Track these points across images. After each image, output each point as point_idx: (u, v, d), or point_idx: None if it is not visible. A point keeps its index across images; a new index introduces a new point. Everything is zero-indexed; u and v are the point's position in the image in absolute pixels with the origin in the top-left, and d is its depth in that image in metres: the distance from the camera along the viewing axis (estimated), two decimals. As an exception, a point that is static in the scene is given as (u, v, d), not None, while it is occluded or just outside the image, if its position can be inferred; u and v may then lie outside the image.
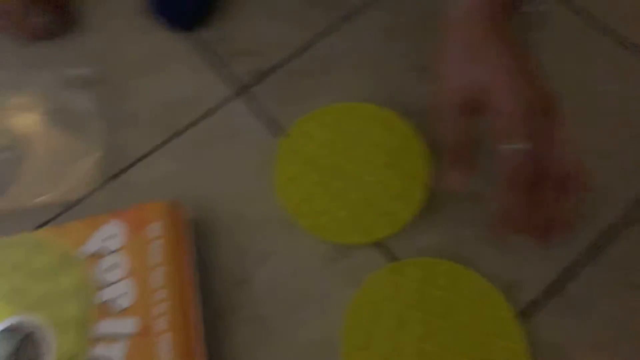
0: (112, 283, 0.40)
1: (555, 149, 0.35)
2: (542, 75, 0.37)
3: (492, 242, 0.43)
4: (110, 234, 0.42)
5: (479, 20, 0.38)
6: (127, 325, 0.39)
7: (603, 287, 0.42)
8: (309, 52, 0.53)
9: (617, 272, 0.42)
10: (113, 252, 0.41)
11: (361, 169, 0.46)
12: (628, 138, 0.47)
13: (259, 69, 0.52)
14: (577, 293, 0.41)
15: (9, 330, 0.40)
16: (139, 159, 0.48)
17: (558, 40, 0.52)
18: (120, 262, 0.41)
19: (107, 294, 0.40)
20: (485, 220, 0.43)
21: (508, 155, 0.35)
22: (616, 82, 0.50)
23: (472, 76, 0.37)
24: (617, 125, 0.48)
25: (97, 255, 0.41)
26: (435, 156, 0.46)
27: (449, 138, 0.38)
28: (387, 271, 0.43)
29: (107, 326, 0.39)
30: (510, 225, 0.37)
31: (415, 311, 0.41)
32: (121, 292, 0.40)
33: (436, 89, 0.38)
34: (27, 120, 0.50)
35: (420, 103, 0.50)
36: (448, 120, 0.37)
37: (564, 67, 0.50)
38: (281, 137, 0.48)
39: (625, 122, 0.48)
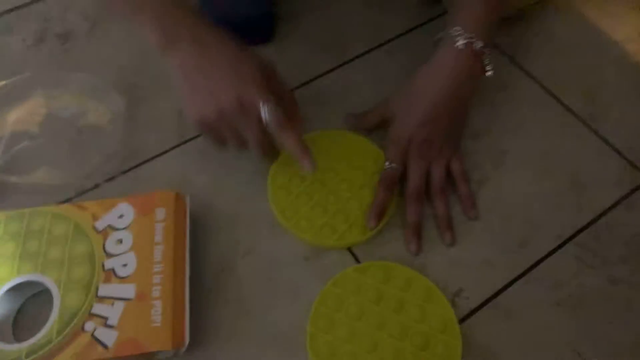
0: (118, 254, 0.47)
1: (422, 173, 0.53)
2: (443, 122, 0.53)
3: (443, 254, 0.51)
4: (121, 214, 0.49)
5: (426, 74, 0.54)
6: (127, 290, 0.46)
7: (530, 302, 0.49)
8: (309, 88, 0.62)
9: (543, 289, 0.50)
10: (122, 229, 0.49)
11: (341, 186, 0.54)
12: (562, 186, 0.56)
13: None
14: (507, 304, 0.49)
15: (22, 285, 0.46)
16: (153, 157, 0.56)
17: (519, 103, 0.62)
18: (127, 238, 0.48)
19: (112, 262, 0.47)
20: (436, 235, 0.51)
21: (385, 167, 0.54)
22: (560, 140, 0.59)
23: (389, 109, 0.56)
24: (557, 174, 0.57)
25: (108, 230, 0.48)
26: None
27: (365, 113, 0.59)
28: (353, 270, 0.50)
29: (109, 289, 0.46)
30: (379, 214, 0.52)
31: (373, 305, 0.48)
32: (124, 262, 0.47)
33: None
34: (63, 112, 0.58)
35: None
36: (373, 112, 0.58)
37: (520, 124, 0.60)
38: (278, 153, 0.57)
39: (564, 173, 0.57)
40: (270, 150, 0.50)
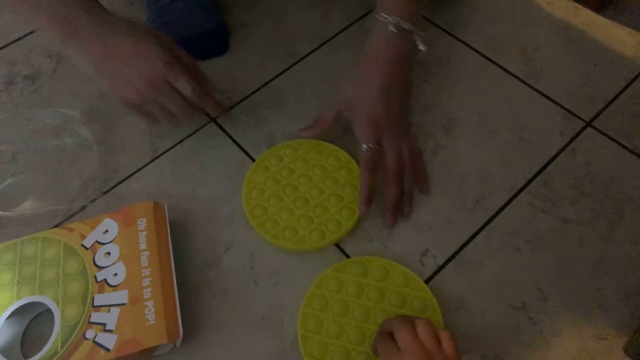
0: (108, 266, 0.51)
1: (398, 149, 0.55)
2: (397, 100, 0.56)
3: (407, 221, 0.56)
4: (106, 229, 0.53)
5: (368, 59, 0.56)
6: (120, 296, 0.49)
7: (491, 250, 0.53)
8: (268, 88, 0.67)
9: (503, 238, 0.54)
10: (108, 242, 0.52)
11: (311, 193, 0.57)
12: (511, 142, 0.61)
13: (230, 101, 0.66)
14: (471, 256, 0.53)
15: (24, 308, 0.50)
16: (130, 175, 0.60)
17: (464, 73, 0.66)
18: (114, 250, 0.52)
19: (103, 274, 0.51)
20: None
21: (363, 150, 0.54)
22: (504, 102, 0.64)
23: (345, 96, 0.57)
24: (505, 133, 0.61)
25: (96, 246, 0.52)
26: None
27: (323, 114, 0.59)
28: (332, 270, 0.52)
29: (103, 298, 0.49)
30: (368, 200, 0.55)
31: (356, 299, 0.51)
32: (115, 272, 0.51)
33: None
34: (41, 146, 0.62)
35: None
36: (329, 109, 0.59)
37: (467, 92, 0.65)
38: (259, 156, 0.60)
39: (511, 131, 0.62)
40: (196, 112, 0.57)
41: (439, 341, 0.42)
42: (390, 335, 0.44)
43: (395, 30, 0.54)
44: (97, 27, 0.52)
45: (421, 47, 0.56)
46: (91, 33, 0.52)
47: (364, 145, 0.54)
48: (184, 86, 0.53)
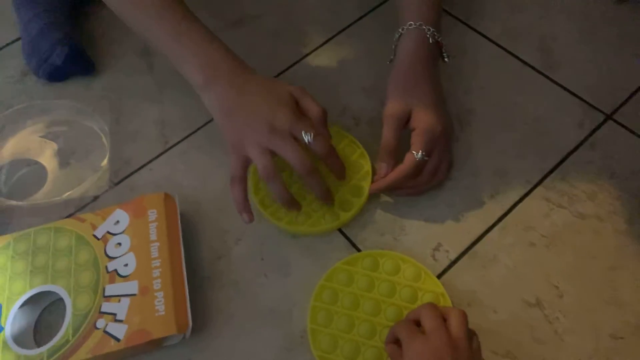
0: (119, 256, 0.51)
1: (435, 159, 0.54)
2: (445, 108, 0.56)
3: (419, 215, 0.55)
4: (117, 220, 0.53)
5: (414, 66, 0.55)
6: (130, 287, 0.50)
7: (505, 246, 0.52)
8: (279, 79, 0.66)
9: (517, 233, 0.53)
10: (119, 233, 0.53)
11: None
12: (527, 135, 0.59)
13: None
14: (484, 251, 0.52)
15: (36, 297, 0.51)
16: (141, 167, 0.60)
17: (480, 64, 0.65)
18: (125, 240, 0.52)
19: (114, 264, 0.51)
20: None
21: (415, 159, 0.52)
22: (521, 93, 0.62)
23: (406, 105, 0.53)
24: (521, 126, 0.60)
25: (107, 236, 0.52)
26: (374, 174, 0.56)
27: (387, 140, 0.54)
28: (343, 263, 0.52)
29: (114, 289, 0.50)
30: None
31: (366, 293, 0.50)
32: (125, 263, 0.51)
33: (384, 109, 0.54)
34: (54, 137, 0.63)
35: (366, 116, 0.62)
36: (389, 128, 0.54)
37: (482, 84, 0.63)
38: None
39: (528, 123, 0.60)
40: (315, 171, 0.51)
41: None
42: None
43: (432, 40, 0.55)
44: (234, 74, 0.52)
45: (446, 59, 0.57)
46: (228, 82, 0.52)
47: (420, 155, 0.52)
48: (307, 136, 0.50)
